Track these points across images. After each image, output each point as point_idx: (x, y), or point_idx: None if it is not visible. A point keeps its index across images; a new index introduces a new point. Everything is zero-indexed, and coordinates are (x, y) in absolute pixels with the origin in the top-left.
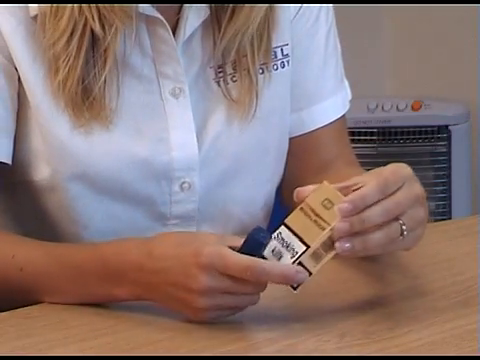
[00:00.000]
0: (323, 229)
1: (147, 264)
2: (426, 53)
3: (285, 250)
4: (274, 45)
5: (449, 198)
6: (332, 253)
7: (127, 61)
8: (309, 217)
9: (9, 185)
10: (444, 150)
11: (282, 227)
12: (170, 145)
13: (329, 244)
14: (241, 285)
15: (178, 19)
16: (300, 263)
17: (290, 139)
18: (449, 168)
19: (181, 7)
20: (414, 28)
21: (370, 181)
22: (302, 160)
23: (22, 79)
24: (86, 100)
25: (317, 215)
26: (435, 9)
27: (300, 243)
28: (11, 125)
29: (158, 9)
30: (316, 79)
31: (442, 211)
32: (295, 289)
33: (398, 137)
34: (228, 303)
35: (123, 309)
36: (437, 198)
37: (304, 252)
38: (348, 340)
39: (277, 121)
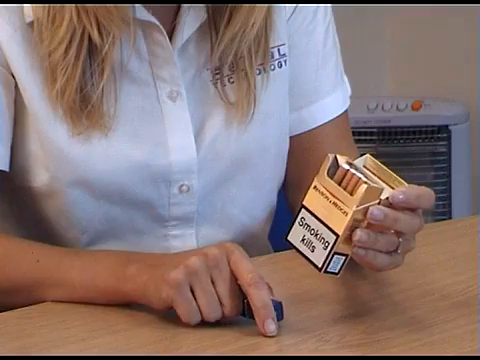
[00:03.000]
0: (346, 214)
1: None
2: (426, 53)
3: (315, 239)
4: (271, 45)
5: (449, 198)
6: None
7: (124, 66)
8: (327, 198)
9: (8, 191)
10: (444, 150)
11: (303, 211)
12: (168, 148)
13: (355, 225)
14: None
15: (175, 22)
16: (336, 253)
17: (291, 138)
18: (449, 168)
19: (178, 11)
20: (414, 28)
21: (417, 188)
22: (303, 159)
23: (19, 86)
24: (85, 108)
25: (334, 196)
26: (435, 9)
27: (328, 231)
28: (7, 133)
29: (154, 14)
30: (315, 77)
31: (442, 211)
32: (338, 274)
33: (398, 137)
34: (201, 288)
35: (123, 309)
36: (437, 198)
37: (336, 242)
38: (348, 340)
39: (276, 121)
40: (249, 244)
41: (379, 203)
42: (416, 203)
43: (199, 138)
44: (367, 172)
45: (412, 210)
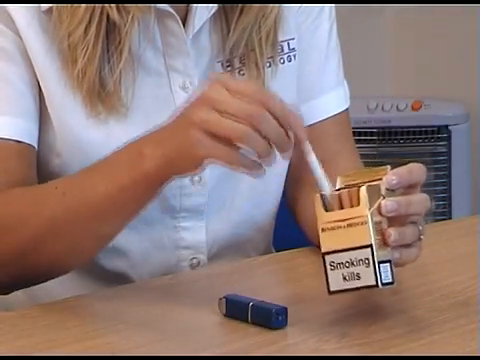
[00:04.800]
0: (364, 223)
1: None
2: (426, 53)
3: (354, 267)
4: (281, 39)
5: (449, 198)
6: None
7: (139, 55)
8: (339, 228)
9: None
10: (444, 150)
11: (326, 257)
12: None
13: (379, 229)
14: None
15: (187, 13)
16: (379, 262)
17: None
18: (449, 168)
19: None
20: (414, 28)
21: (405, 166)
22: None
23: (37, 73)
24: (102, 91)
25: (344, 220)
26: (435, 9)
27: (360, 250)
28: (37, 109)
29: (168, 3)
30: (317, 73)
31: (442, 211)
32: (393, 283)
33: (398, 137)
34: (225, 127)
35: (123, 309)
36: (437, 198)
37: (373, 253)
38: (348, 340)
39: None
40: (258, 239)
41: (384, 199)
42: (411, 178)
43: None
44: (352, 186)
45: (412, 188)
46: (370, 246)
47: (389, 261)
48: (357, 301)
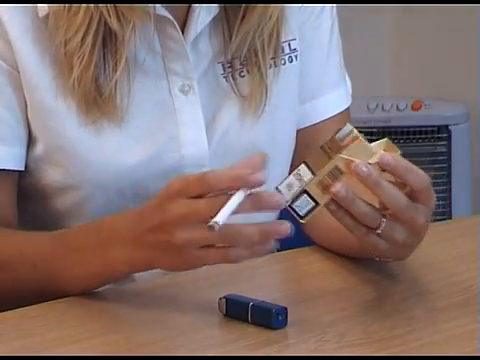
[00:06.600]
0: (329, 158)
1: (132, 217)
2: (426, 53)
3: (295, 182)
4: (282, 40)
5: (449, 198)
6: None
7: (136, 59)
8: (324, 151)
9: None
10: (444, 150)
11: (302, 165)
12: (179, 142)
13: (336, 176)
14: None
15: (187, 17)
16: (307, 192)
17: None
18: (449, 168)
19: (190, 5)
20: (414, 28)
21: (413, 166)
22: (305, 154)
23: (28, 84)
24: (99, 98)
25: (331, 149)
26: (435, 9)
27: (308, 172)
28: (23, 133)
29: (167, 7)
30: (319, 72)
31: (442, 211)
32: (302, 218)
33: (398, 137)
34: (206, 236)
35: (123, 309)
36: (437, 198)
37: (310, 180)
38: (348, 340)
39: (286, 115)
40: None
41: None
42: (403, 173)
43: (210, 131)
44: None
45: (412, 194)
46: (314, 174)
47: (316, 203)
48: (357, 301)
